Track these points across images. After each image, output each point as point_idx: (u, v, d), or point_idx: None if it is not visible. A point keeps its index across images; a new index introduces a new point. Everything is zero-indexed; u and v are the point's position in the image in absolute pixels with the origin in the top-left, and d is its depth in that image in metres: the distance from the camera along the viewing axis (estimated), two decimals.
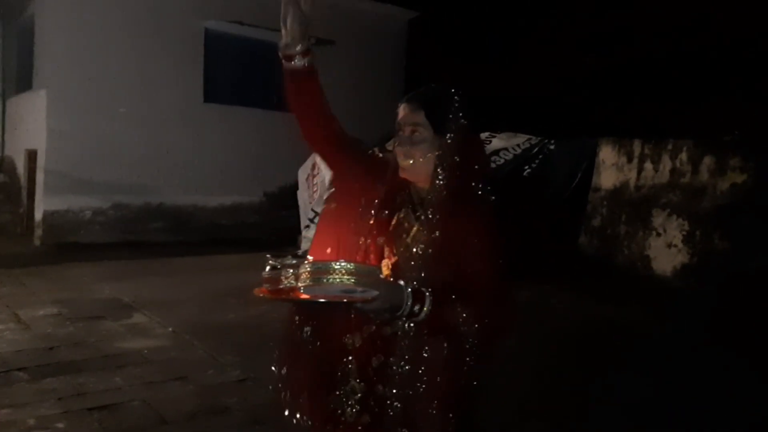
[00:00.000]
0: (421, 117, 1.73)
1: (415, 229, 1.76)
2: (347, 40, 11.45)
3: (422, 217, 1.75)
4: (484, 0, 13.18)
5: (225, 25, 10.30)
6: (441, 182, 1.71)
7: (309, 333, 1.83)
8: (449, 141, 1.72)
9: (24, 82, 10.61)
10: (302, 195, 9.35)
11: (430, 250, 1.70)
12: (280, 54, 1.77)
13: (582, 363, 4.91)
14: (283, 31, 1.74)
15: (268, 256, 1.72)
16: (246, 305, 6.15)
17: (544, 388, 4.34)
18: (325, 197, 2.02)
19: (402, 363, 1.71)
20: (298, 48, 1.75)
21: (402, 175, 1.80)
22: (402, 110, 1.78)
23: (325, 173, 8.81)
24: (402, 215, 1.81)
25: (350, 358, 1.80)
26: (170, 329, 5.37)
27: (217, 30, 10.31)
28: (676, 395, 4.31)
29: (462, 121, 1.74)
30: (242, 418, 3.76)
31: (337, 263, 1.55)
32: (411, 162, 1.75)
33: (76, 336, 5.05)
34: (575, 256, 8.12)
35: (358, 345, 1.79)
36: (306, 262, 1.61)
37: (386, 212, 1.82)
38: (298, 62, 1.76)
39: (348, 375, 1.80)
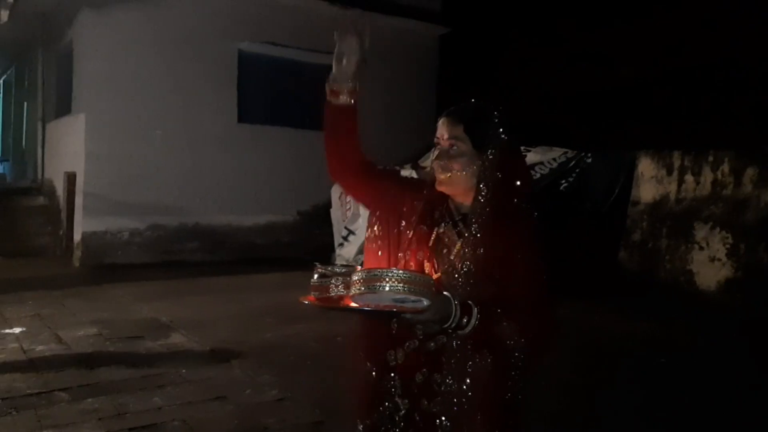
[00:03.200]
0: (459, 131, 1.73)
1: (458, 245, 1.73)
2: (378, 57, 11.45)
3: (465, 234, 1.73)
4: (516, 14, 13.11)
5: (258, 46, 10.41)
6: (483, 199, 1.69)
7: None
8: (491, 157, 1.71)
9: (63, 107, 10.85)
10: (335, 213, 9.37)
11: (474, 267, 1.68)
12: (327, 87, 1.79)
13: (623, 382, 4.78)
14: (335, 66, 1.76)
15: (316, 263, 1.70)
16: (282, 324, 6.15)
17: (583, 406, 4.22)
18: (366, 224, 2.01)
19: (447, 377, 1.69)
20: (348, 85, 1.78)
21: (439, 188, 1.80)
22: (441, 124, 1.78)
23: None
24: (442, 230, 1.79)
25: (393, 374, 1.79)
26: (208, 349, 5.37)
27: (250, 51, 10.44)
28: (718, 417, 4.16)
29: (503, 137, 1.72)
30: None
31: (390, 270, 1.54)
32: (449, 175, 1.75)
33: (115, 356, 5.08)
34: (615, 272, 7.95)
35: (401, 361, 1.78)
36: (358, 269, 1.59)
37: (425, 227, 1.81)
38: (343, 99, 1.79)
39: (392, 392, 1.79)
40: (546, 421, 3.66)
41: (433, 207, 1.83)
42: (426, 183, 1.87)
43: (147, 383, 4.47)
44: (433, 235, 1.79)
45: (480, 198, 1.70)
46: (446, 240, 1.77)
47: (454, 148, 1.73)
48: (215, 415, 3.96)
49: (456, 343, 1.69)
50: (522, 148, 7.74)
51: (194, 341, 5.57)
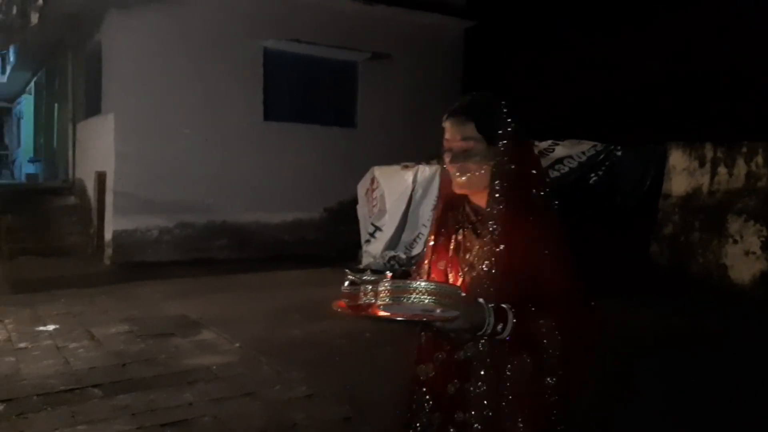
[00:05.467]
0: (471, 130, 1.66)
1: (477, 246, 1.68)
2: (403, 52, 11.47)
3: (483, 233, 1.67)
4: (543, 5, 12.96)
5: (283, 44, 10.45)
6: (498, 195, 1.64)
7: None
8: (502, 149, 1.64)
9: (93, 107, 11.01)
10: (362, 210, 9.37)
11: (495, 266, 1.62)
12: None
13: (654, 378, 4.69)
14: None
15: (347, 271, 1.69)
16: (310, 321, 6.16)
17: (613, 403, 4.15)
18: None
19: (480, 384, 1.64)
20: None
21: (457, 191, 1.73)
22: (449, 125, 1.70)
23: (384, 188, 8.81)
24: (461, 236, 1.75)
25: (424, 389, 1.75)
26: (237, 345, 5.40)
27: (276, 49, 10.47)
28: (753, 414, 4.05)
29: (512, 126, 1.66)
30: None
31: (416, 282, 1.51)
32: (467, 177, 1.68)
33: (146, 353, 5.13)
34: (646, 266, 7.82)
35: (431, 375, 1.74)
36: (385, 279, 1.57)
37: (442, 237, 1.78)
38: None
39: (423, 406, 1.75)
40: (574, 416, 3.61)
41: (449, 212, 1.79)
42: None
43: (177, 379, 4.51)
44: (452, 243, 1.76)
45: (495, 195, 1.64)
46: (467, 244, 1.72)
47: (468, 148, 1.66)
48: (245, 411, 3.98)
49: (491, 351, 1.63)
50: (550, 141, 7.72)
51: (223, 338, 5.60)
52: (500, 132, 1.65)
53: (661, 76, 11.40)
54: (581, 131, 8.51)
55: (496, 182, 1.64)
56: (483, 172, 1.67)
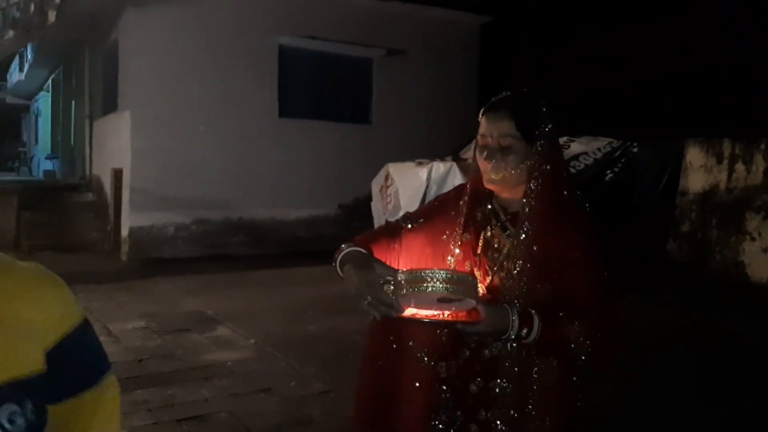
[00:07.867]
0: (510, 127, 1.62)
1: (507, 246, 1.66)
2: (419, 48, 11.45)
3: (516, 233, 1.65)
4: (560, 1, 12.86)
5: (298, 41, 10.46)
6: (535, 194, 1.62)
7: (416, 350, 1.74)
8: (539, 149, 1.62)
9: (109, 104, 11.08)
10: (376, 206, 9.35)
11: (529, 266, 1.60)
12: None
13: (670, 375, 4.66)
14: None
15: None
16: (325, 317, 6.17)
17: (628, 399, 4.14)
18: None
19: (506, 385, 1.63)
20: None
21: (488, 187, 1.71)
22: (487, 120, 1.66)
23: (398, 184, 8.79)
24: (489, 234, 1.72)
25: (444, 387, 1.71)
26: (253, 341, 5.43)
27: (291, 45, 10.49)
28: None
29: (550, 127, 1.64)
30: (327, 430, 3.75)
31: (430, 271, 1.49)
32: (501, 175, 1.65)
33: (163, 348, 5.17)
34: (663, 263, 7.78)
35: (453, 371, 1.71)
36: (401, 271, 1.56)
37: (469, 234, 1.73)
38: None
39: (444, 405, 1.72)
40: (590, 413, 3.59)
41: (475, 208, 1.75)
42: (459, 187, 1.81)
43: (194, 375, 4.54)
44: (481, 241, 1.72)
45: (531, 195, 1.62)
46: (496, 244, 1.69)
47: (506, 146, 1.62)
48: (262, 407, 4.00)
49: (514, 349, 1.62)
50: (566, 138, 7.68)
51: (239, 334, 5.64)
52: (538, 132, 1.62)
53: (677, 71, 11.29)
54: (597, 127, 8.45)
55: (533, 183, 1.62)
56: (519, 171, 1.64)
